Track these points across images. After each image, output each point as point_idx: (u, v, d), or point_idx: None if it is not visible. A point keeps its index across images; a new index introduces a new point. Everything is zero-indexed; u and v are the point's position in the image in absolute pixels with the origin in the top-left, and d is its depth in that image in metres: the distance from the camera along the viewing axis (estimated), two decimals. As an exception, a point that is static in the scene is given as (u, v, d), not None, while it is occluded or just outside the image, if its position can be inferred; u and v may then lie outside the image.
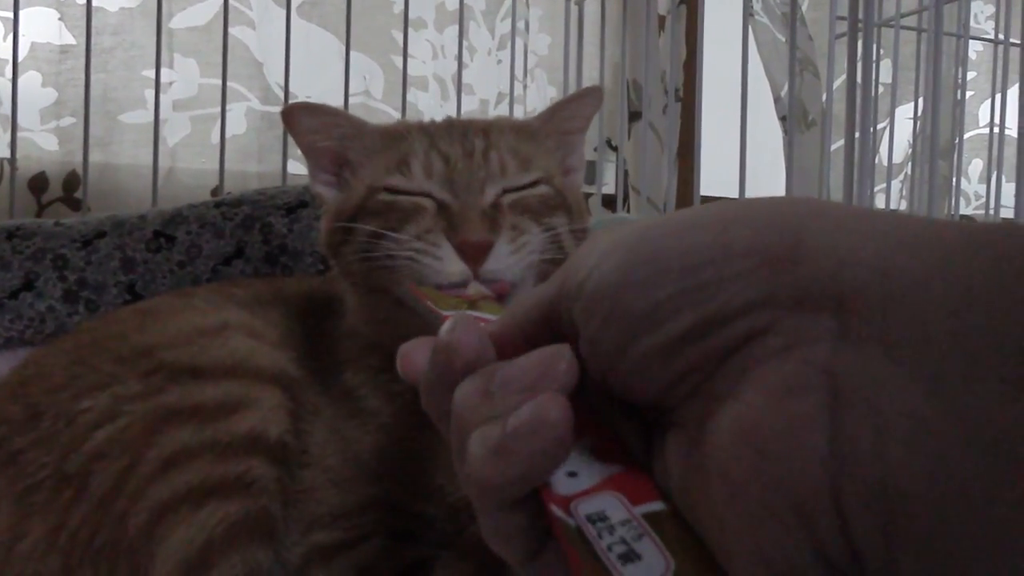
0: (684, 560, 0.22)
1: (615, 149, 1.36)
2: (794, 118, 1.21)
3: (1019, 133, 1.15)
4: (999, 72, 1.41)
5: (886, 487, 0.19)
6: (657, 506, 0.24)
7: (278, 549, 0.53)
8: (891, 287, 0.20)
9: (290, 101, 0.83)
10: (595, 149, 1.32)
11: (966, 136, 1.63)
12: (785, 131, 1.28)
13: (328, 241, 0.58)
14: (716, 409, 0.22)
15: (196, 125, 1.24)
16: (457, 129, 0.58)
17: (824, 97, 1.27)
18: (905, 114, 1.53)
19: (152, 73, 1.08)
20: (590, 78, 1.27)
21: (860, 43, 1.02)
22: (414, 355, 0.29)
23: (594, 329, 0.24)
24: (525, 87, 1.36)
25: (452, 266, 0.51)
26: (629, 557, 0.22)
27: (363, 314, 0.58)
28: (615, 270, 0.24)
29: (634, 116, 1.39)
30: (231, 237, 0.87)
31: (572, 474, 0.25)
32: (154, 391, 0.53)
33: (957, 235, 0.20)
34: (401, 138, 0.58)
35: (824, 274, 0.21)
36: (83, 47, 1.05)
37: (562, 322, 0.26)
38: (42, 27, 1.18)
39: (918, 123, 1.46)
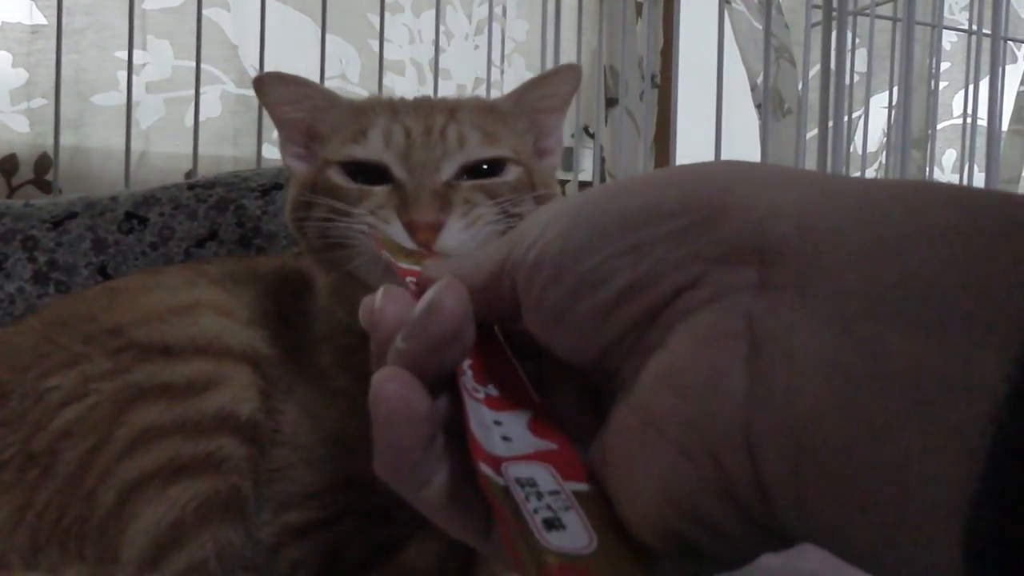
0: (606, 540, 0.22)
1: (592, 136, 1.36)
2: (769, 106, 1.22)
3: (988, 123, 1.17)
4: (972, 63, 1.42)
5: (797, 427, 0.20)
6: (585, 487, 0.24)
7: (250, 528, 0.52)
8: (810, 239, 0.21)
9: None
10: (572, 136, 1.32)
11: (940, 126, 1.64)
12: (761, 119, 1.28)
13: (292, 216, 0.57)
14: (647, 362, 0.23)
15: (170, 108, 1.23)
16: (424, 106, 0.58)
17: (800, 85, 1.28)
18: (880, 103, 1.54)
19: (125, 54, 1.06)
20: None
21: (834, 32, 1.02)
22: (391, 310, 0.30)
23: (537, 294, 0.25)
24: (502, 72, 1.35)
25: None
26: (554, 524, 0.22)
27: (330, 293, 0.58)
28: (558, 236, 0.25)
29: (611, 103, 1.40)
30: (204, 219, 0.86)
31: (506, 439, 0.25)
32: (123, 369, 0.53)
33: (875, 190, 0.21)
34: (367, 111, 0.57)
35: (748, 229, 0.22)
36: (54, 27, 1.03)
37: (503, 291, 0.27)
38: (12, 6, 1.16)
39: (892, 112, 1.47)
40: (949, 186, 0.21)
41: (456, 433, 0.26)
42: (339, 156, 0.55)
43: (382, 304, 0.27)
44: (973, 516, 0.17)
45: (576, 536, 0.22)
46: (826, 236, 0.21)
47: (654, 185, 0.25)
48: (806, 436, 0.20)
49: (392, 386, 0.25)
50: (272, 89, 0.59)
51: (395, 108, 0.57)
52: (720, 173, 0.24)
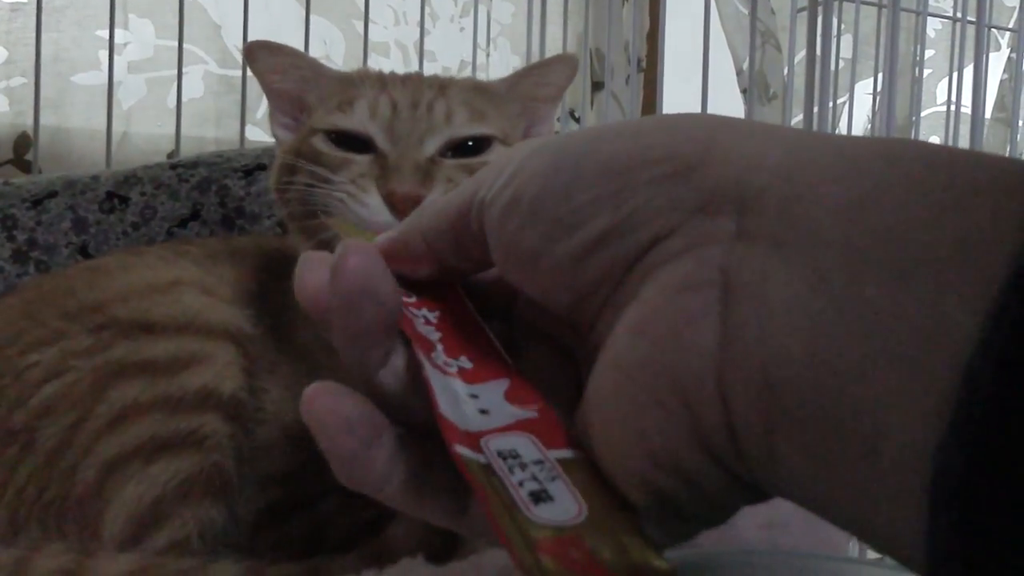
0: (596, 507, 0.22)
1: (577, 120, 1.35)
2: (755, 91, 1.22)
3: (972, 111, 1.17)
4: (957, 50, 1.42)
5: (768, 373, 0.20)
6: (570, 453, 0.24)
7: (232, 506, 0.52)
8: (789, 190, 0.21)
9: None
10: (558, 119, 1.31)
11: (924, 113, 1.65)
12: (746, 104, 1.28)
13: (276, 183, 0.57)
14: (621, 314, 0.23)
15: (152, 88, 1.22)
16: (413, 80, 0.58)
17: (786, 71, 1.28)
18: (865, 89, 1.54)
19: (106, 33, 1.04)
20: (553, 47, 1.26)
21: (820, 17, 1.02)
22: (309, 277, 0.29)
23: (511, 234, 0.25)
24: (488, 55, 1.35)
25: (379, 216, 0.50)
26: (541, 497, 0.22)
27: None
28: (537, 175, 0.24)
29: (597, 86, 1.39)
30: (187, 199, 0.85)
31: (484, 412, 0.25)
32: (103, 346, 0.52)
33: (854, 146, 0.22)
34: (355, 83, 0.57)
35: (728, 178, 0.22)
36: (34, 5, 1.01)
37: (471, 230, 0.26)
38: (-10, -16, 1.15)
39: (877, 99, 1.48)
40: (928, 144, 0.21)
41: (411, 424, 0.26)
42: (324, 124, 0.55)
43: (300, 273, 0.27)
44: (940, 462, 0.17)
45: (565, 507, 0.22)
46: (804, 188, 0.21)
47: (639, 132, 0.24)
48: (776, 382, 0.20)
49: (321, 397, 0.25)
50: (262, 57, 0.59)
51: (383, 81, 0.57)
52: (704, 123, 0.24)
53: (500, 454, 0.23)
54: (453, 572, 0.33)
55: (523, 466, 0.23)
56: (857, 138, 0.23)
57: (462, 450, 0.23)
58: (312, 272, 0.26)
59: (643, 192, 0.23)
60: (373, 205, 0.50)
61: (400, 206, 0.49)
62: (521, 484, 0.22)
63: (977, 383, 0.16)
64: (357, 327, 0.25)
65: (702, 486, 0.22)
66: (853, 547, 0.72)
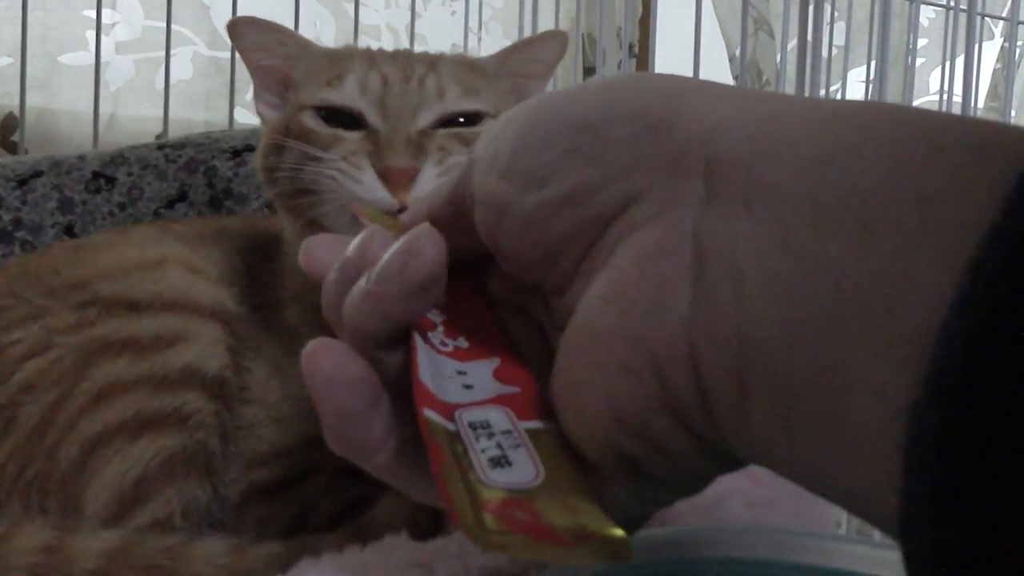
0: (555, 474, 0.22)
1: (570, 106, 1.35)
2: (748, 77, 1.22)
3: (963, 100, 1.17)
4: (949, 39, 1.42)
5: (741, 337, 0.20)
6: (540, 424, 0.24)
7: (216, 485, 0.52)
8: (758, 150, 0.21)
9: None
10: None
11: (916, 103, 1.65)
12: (739, 91, 1.28)
13: (263, 163, 0.57)
14: (592, 280, 0.23)
15: (140, 69, 1.21)
16: (402, 56, 0.57)
17: (778, 57, 1.28)
18: (857, 77, 1.54)
19: (93, 13, 1.04)
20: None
21: (812, 4, 1.02)
22: (317, 252, 0.29)
23: (489, 186, 0.25)
24: (479, 40, 1.34)
25: (374, 193, 0.49)
26: (499, 462, 0.22)
27: (298, 247, 0.57)
28: (515, 132, 0.25)
29: (588, 71, 1.39)
30: (174, 180, 0.84)
31: (468, 387, 0.25)
32: (87, 323, 0.52)
33: (823, 108, 0.22)
34: (344, 58, 0.56)
35: (698, 139, 0.22)
36: (20, -17, 1.01)
37: (466, 199, 0.26)
38: (-24, -38, 1.13)
39: (869, 87, 1.47)
40: (897, 106, 0.21)
41: (405, 396, 0.26)
42: (313, 100, 0.54)
43: (368, 238, 0.27)
44: (914, 419, 0.16)
45: (522, 471, 0.22)
46: (773, 149, 0.21)
47: (611, 90, 0.25)
48: (748, 345, 0.20)
49: (326, 354, 0.25)
50: (245, 34, 0.58)
51: (373, 56, 0.56)
52: (675, 84, 0.24)
53: (471, 424, 0.23)
54: (436, 548, 0.33)
55: (491, 435, 0.23)
56: (827, 100, 0.23)
57: (430, 414, 0.23)
58: (380, 245, 0.26)
59: (613, 150, 0.23)
60: (367, 182, 0.50)
61: (396, 180, 0.49)
62: (484, 451, 0.22)
63: (952, 341, 0.16)
64: (407, 313, 0.25)
65: (669, 450, 0.22)
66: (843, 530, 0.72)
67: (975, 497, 0.15)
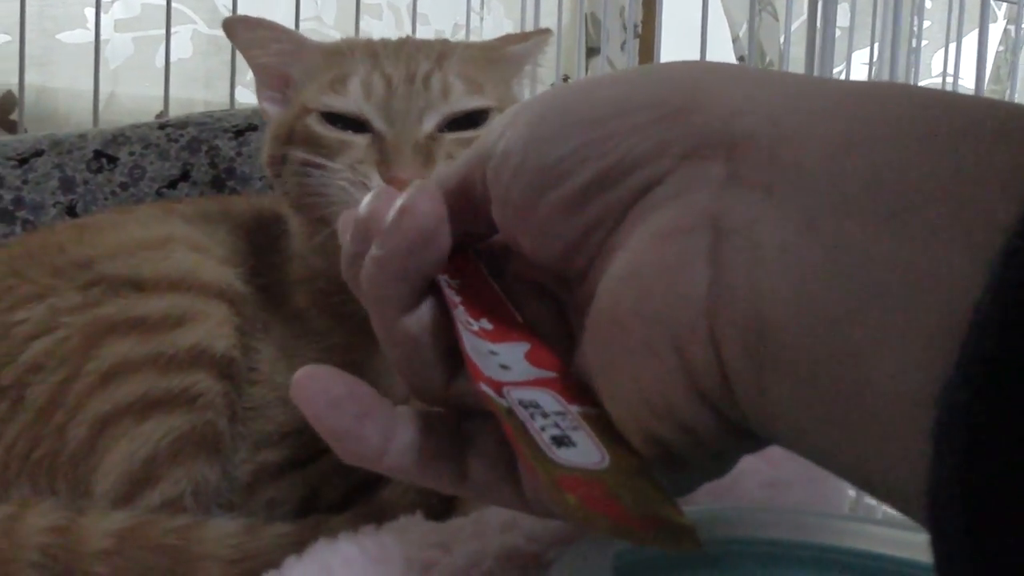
0: (618, 458, 0.22)
1: (572, 86, 1.34)
2: (752, 58, 1.21)
3: (976, 84, 1.16)
4: (954, 21, 1.42)
5: (759, 317, 0.20)
6: (591, 409, 0.24)
7: (226, 465, 0.52)
8: (779, 133, 0.21)
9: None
10: (552, 86, 1.30)
11: (920, 85, 1.64)
12: (742, 72, 1.27)
13: (269, 162, 0.57)
14: (611, 262, 0.23)
15: (139, 47, 1.19)
16: (407, 49, 0.56)
17: (782, 39, 1.27)
18: (861, 59, 1.53)
19: (92, -10, 1.03)
20: (548, 11, 1.25)
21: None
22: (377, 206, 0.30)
23: (504, 185, 0.25)
24: (482, 19, 1.33)
25: None
26: (563, 442, 0.22)
27: (306, 239, 0.57)
28: (526, 126, 0.25)
29: (592, 52, 1.38)
30: (176, 160, 0.84)
31: (504, 367, 0.25)
32: (93, 303, 0.51)
33: (846, 90, 0.22)
34: (344, 56, 0.55)
35: (717, 123, 0.22)
36: (18, -41, 0.99)
37: (476, 189, 0.26)
38: (-27, -62, 1.12)
39: (873, 68, 1.47)
40: (921, 88, 0.21)
41: (420, 380, 0.26)
42: (318, 105, 0.53)
43: (369, 201, 0.27)
44: (945, 403, 0.16)
45: (588, 453, 0.22)
46: (794, 131, 0.21)
47: (625, 80, 0.25)
48: (766, 326, 0.20)
49: (307, 381, 0.26)
50: (239, 33, 0.57)
51: (375, 53, 0.55)
52: (689, 69, 0.24)
53: (522, 403, 0.23)
54: (454, 527, 0.33)
55: (545, 415, 0.23)
56: (846, 81, 0.23)
57: (487, 389, 0.23)
58: (381, 204, 0.27)
59: (631, 137, 0.23)
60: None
61: (402, 190, 0.49)
62: (543, 429, 0.22)
63: (986, 324, 0.16)
64: (415, 269, 0.26)
65: (699, 434, 0.22)
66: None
67: (1007, 479, 0.15)
